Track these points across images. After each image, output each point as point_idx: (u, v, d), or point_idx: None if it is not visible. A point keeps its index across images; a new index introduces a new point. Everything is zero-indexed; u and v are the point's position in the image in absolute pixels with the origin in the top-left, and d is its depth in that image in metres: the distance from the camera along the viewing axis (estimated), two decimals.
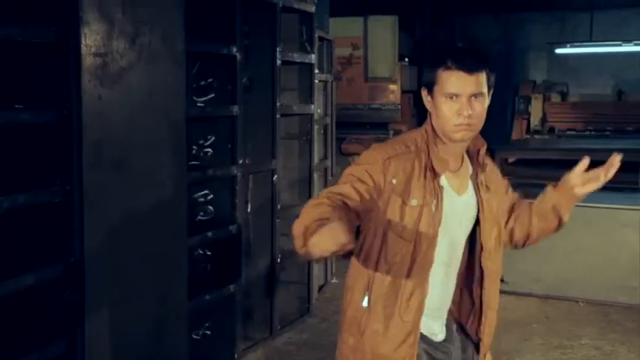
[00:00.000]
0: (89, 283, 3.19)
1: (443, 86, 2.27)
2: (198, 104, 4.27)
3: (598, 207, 5.98)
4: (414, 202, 2.28)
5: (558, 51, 11.47)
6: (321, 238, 1.94)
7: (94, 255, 3.21)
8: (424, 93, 2.35)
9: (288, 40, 5.22)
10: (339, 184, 2.29)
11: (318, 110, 5.89)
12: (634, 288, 5.76)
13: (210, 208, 4.41)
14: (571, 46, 11.04)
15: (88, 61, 3.15)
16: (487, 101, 2.34)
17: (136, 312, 3.50)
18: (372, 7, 11.11)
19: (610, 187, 7.43)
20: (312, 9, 5.32)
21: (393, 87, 10.86)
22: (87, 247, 3.17)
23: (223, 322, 4.45)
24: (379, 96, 10.76)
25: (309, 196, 5.47)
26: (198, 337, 4.31)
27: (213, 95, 4.35)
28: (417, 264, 2.31)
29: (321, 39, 5.96)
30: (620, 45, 10.73)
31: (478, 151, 2.43)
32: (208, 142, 4.40)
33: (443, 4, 13.27)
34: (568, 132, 11.16)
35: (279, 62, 4.86)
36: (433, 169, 2.32)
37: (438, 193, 2.32)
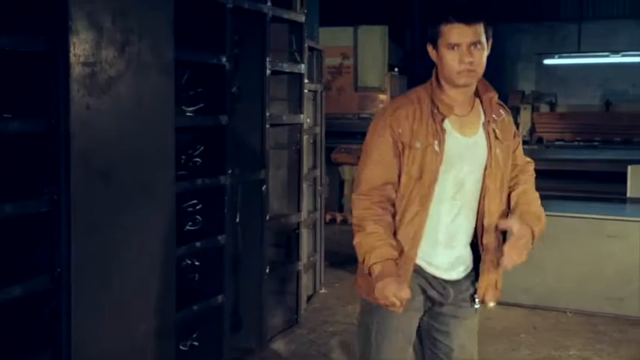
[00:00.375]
0: (75, 294, 3.17)
1: (445, 38, 2.61)
2: (188, 114, 4.26)
3: (585, 217, 6.01)
4: (417, 144, 2.64)
5: (547, 61, 11.54)
6: (388, 288, 2.49)
7: (81, 266, 3.19)
8: (430, 48, 2.70)
9: (278, 50, 5.22)
10: (370, 172, 2.67)
11: (308, 120, 5.89)
12: (620, 299, 5.78)
13: (199, 218, 4.39)
14: (559, 57, 11.10)
15: (76, 70, 3.14)
16: (487, 50, 2.67)
17: (123, 323, 3.48)
18: (362, 17, 11.16)
19: (597, 198, 7.50)
20: (302, 19, 5.33)
21: (382, 97, 10.90)
22: (74, 258, 3.15)
23: (211, 333, 4.43)
24: (369, 105, 10.79)
25: (299, 207, 5.47)
26: (186, 349, 4.28)
27: (202, 105, 4.34)
28: (420, 196, 2.66)
29: (310, 49, 5.97)
30: (607, 56, 10.79)
31: (490, 100, 2.74)
32: (197, 152, 4.38)
33: (432, 13, 13.29)
34: (556, 142, 11.22)
35: (268, 72, 4.86)
36: (438, 113, 2.66)
37: (440, 134, 2.65)
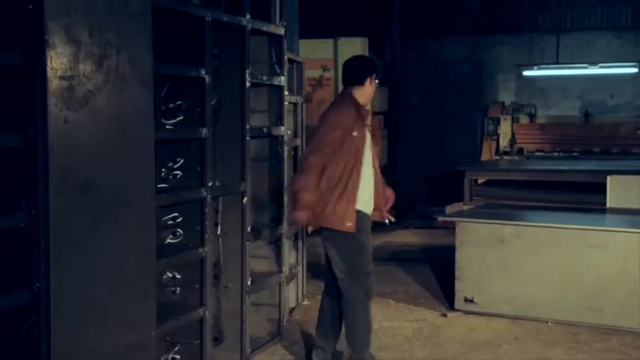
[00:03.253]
0: (55, 308, 3.14)
1: (375, 77, 4.86)
2: (167, 127, 4.26)
3: (565, 228, 6.04)
4: (354, 133, 4.62)
5: (526, 73, 11.60)
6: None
7: (60, 280, 3.16)
8: (372, 79, 4.84)
9: (258, 62, 5.24)
10: (325, 150, 4.60)
11: (288, 132, 5.89)
12: (600, 309, 5.81)
13: (180, 230, 4.39)
14: (538, 68, 11.16)
15: (54, 84, 3.12)
16: None
17: (104, 337, 3.46)
18: (341, 29, 11.17)
19: (577, 209, 7.54)
20: (282, 31, 5.34)
21: None
22: (53, 273, 3.12)
23: (192, 346, 4.41)
24: None
25: (280, 219, 5.47)
26: None
27: (182, 117, 4.35)
28: (354, 168, 4.62)
29: (290, 61, 5.98)
30: (585, 67, 10.87)
31: (368, 111, 4.93)
32: (177, 165, 4.39)
33: (412, 26, 13.38)
34: (536, 153, 11.28)
35: (248, 84, 4.87)
36: (363, 117, 4.73)
37: (364, 129, 4.74)
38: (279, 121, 5.44)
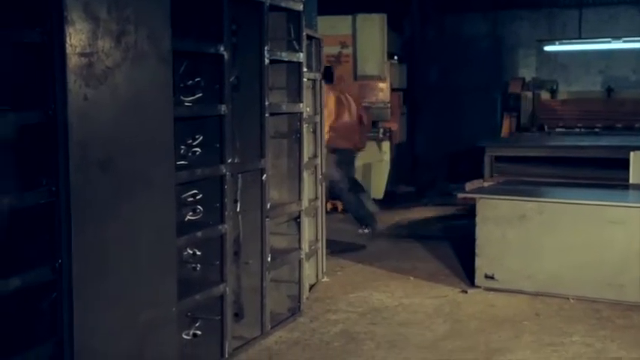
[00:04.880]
0: (77, 285, 3.16)
1: None
2: (186, 104, 4.25)
3: (586, 204, 5.99)
4: None
5: (547, 48, 11.48)
6: None
7: (82, 257, 3.18)
8: None
9: (276, 39, 5.21)
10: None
11: (307, 109, 5.87)
12: (622, 285, 5.77)
13: (200, 207, 4.39)
14: (560, 44, 11.04)
15: (73, 61, 3.12)
16: None
17: (125, 313, 3.48)
18: (360, 5, 11.10)
19: (599, 185, 7.48)
20: (300, 7, 5.30)
21: (382, 85, 10.86)
22: (74, 250, 3.14)
23: (213, 322, 4.43)
24: (369, 94, 10.75)
25: (299, 195, 5.47)
26: (189, 338, 4.29)
27: (200, 94, 4.33)
28: None
29: (309, 37, 5.94)
30: (609, 42, 10.74)
31: None
32: (196, 142, 4.38)
33: (431, 2, 13.27)
34: (557, 129, 11.18)
35: (267, 61, 4.85)
36: None
37: None
38: (297, 97, 5.41)
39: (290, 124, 5.46)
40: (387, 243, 8.37)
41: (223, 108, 4.37)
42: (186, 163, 4.32)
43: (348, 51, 10.75)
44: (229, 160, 4.44)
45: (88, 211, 3.23)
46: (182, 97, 4.26)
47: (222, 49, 4.34)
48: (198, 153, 4.36)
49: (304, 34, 5.51)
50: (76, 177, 3.14)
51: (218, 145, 4.39)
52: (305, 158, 5.61)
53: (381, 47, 10.77)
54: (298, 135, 5.46)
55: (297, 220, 5.51)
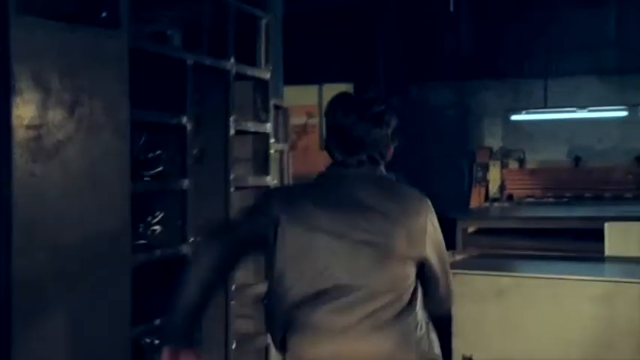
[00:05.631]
0: None
1: None
2: (145, 178, 3.96)
3: (566, 279, 5.75)
4: None
5: (514, 117, 11.45)
6: None
7: (24, 352, 2.84)
8: None
9: (242, 109, 4.97)
10: None
11: (274, 181, 5.60)
12: None
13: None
14: (527, 113, 11.02)
15: (19, 134, 2.85)
16: None
17: None
18: (326, 74, 11.00)
19: (575, 257, 7.24)
20: (267, 76, 5.09)
21: None
22: (15, 340, 2.80)
23: None
24: None
25: (266, 275, 5.14)
26: None
27: (161, 168, 4.05)
28: None
29: (276, 107, 5.72)
30: (574, 111, 10.74)
31: None
32: (156, 220, 4.07)
33: (396, 71, 13.26)
34: (527, 199, 11.06)
35: (232, 132, 4.59)
36: None
37: None
38: (264, 170, 5.15)
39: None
40: None
41: (185, 183, 4.08)
42: (145, 242, 4.00)
43: (315, 121, 10.60)
44: (192, 239, 4.13)
45: (33, 299, 2.90)
46: (141, 172, 3.97)
47: (184, 120, 4.08)
48: (157, 231, 4.05)
49: (271, 103, 5.28)
50: (19, 261, 2.83)
51: (180, 223, 4.08)
52: None
53: None
54: None
55: (263, 301, 5.18)
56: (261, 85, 5.10)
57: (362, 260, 2.59)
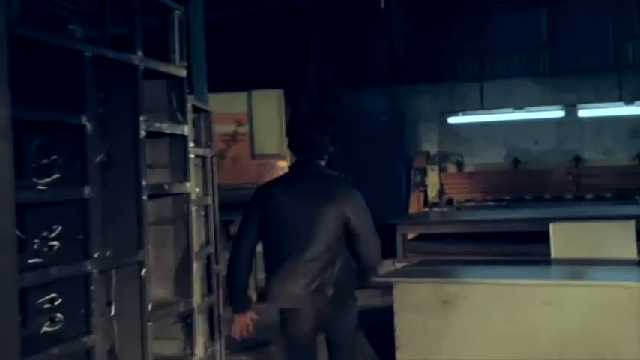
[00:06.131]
0: None
1: None
2: (39, 187, 3.43)
3: (513, 284, 5.42)
4: None
5: (451, 120, 11.22)
6: None
7: None
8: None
9: (157, 110, 4.48)
10: None
11: (197, 189, 5.12)
12: None
13: (59, 315, 3.52)
14: (463, 115, 10.81)
15: None
16: None
17: None
18: (255, 81, 10.59)
19: (521, 261, 6.90)
20: (183, 73, 4.61)
21: (281, 163, 10.23)
22: None
23: None
24: (267, 173, 10.09)
25: (189, 291, 4.66)
26: None
27: (58, 175, 3.52)
28: None
29: (197, 109, 5.24)
30: (512, 112, 10.56)
31: None
32: (54, 234, 3.54)
33: (329, 77, 12.95)
34: (467, 203, 10.82)
35: (143, 134, 4.09)
36: None
37: None
38: (183, 176, 4.66)
39: (175, 207, 4.68)
40: None
41: (87, 191, 3.56)
42: (41, 260, 3.47)
43: (244, 129, 10.16)
44: (97, 254, 3.61)
45: None
46: (34, 180, 3.44)
47: (84, 119, 3.56)
48: (56, 247, 3.52)
49: (189, 104, 4.81)
50: None
51: (82, 237, 3.56)
52: (195, 247, 4.83)
53: (279, 124, 10.22)
54: (186, 220, 4.68)
55: (187, 320, 4.68)
56: (176, 83, 4.62)
57: (313, 226, 4.24)
